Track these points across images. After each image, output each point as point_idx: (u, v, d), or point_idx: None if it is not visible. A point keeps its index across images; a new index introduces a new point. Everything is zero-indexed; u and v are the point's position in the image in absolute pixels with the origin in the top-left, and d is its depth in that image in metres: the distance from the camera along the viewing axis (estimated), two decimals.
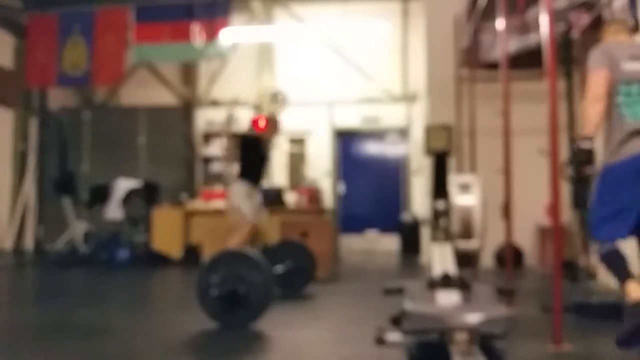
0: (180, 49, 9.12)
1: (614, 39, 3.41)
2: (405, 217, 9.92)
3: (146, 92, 10.82)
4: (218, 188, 9.40)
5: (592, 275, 6.31)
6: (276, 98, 10.14)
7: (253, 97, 10.51)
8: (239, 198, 5.93)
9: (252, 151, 6.08)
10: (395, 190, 10.65)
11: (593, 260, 6.44)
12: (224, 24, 8.90)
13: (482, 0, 6.26)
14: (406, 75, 10.36)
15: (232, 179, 6.22)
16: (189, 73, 10.97)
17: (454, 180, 6.30)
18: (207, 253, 7.18)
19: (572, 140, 6.76)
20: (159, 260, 8.03)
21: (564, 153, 6.44)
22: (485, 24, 6.76)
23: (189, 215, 8.15)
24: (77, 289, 6.62)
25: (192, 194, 9.52)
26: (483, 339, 1.62)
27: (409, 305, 1.73)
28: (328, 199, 9.77)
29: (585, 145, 3.09)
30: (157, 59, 10.02)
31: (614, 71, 3.15)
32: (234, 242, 5.71)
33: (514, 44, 6.15)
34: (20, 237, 9.97)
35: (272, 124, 6.34)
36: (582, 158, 3.09)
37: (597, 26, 5.45)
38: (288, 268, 5.51)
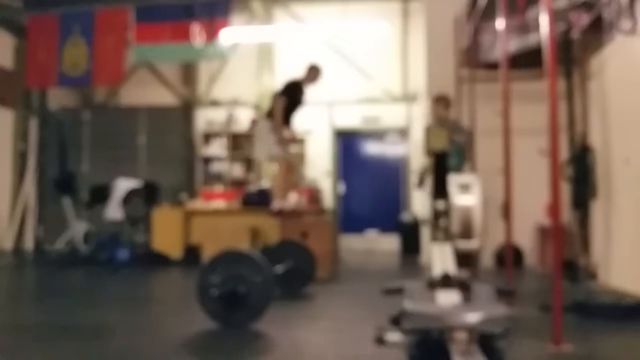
0: (180, 49, 9.11)
1: None
2: (405, 217, 9.92)
3: (146, 92, 10.83)
4: (218, 188, 9.41)
5: (592, 275, 6.32)
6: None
7: (253, 97, 10.51)
8: (261, 133, 6.45)
9: (289, 94, 6.60)
10: (395, 190, 10.65)
11: (593, 260, 6.45)
12: (224, 24, 8.88)
13: (482, 0, 6.27)
14: (406, 75, 10.36)
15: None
16: (189, 73, 10.97)
17: (454, 180, 6.30)
18: (207, 253, 7.17)
19: (572, 140, 6.77)
20: (159, 260, 8.02)
21: (564, 153, 6.47)
22: (485, 24, 6.76)
23: (189, 215, 8.14)
24: (77, 289, 6.61)
25: (192, 194, 9.52)
26: (483, 339, 1.62)
27: (408, 305, 1.73)
28: (328, 199, 9.77)
29: None
30: (157, 59, 10.02)
31: None
32: (277, 184, 6.55)
33: (514, 44, 6.16)
34: (20, 237, 9.96)
35: (315, 71, 6.76)
36: None
37: (597, 26, 5.47)
38: (288, 268, 5.51)
